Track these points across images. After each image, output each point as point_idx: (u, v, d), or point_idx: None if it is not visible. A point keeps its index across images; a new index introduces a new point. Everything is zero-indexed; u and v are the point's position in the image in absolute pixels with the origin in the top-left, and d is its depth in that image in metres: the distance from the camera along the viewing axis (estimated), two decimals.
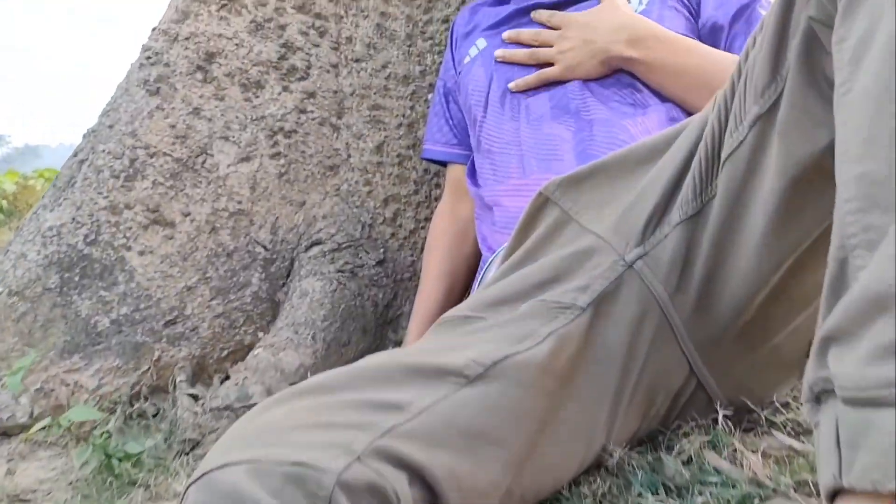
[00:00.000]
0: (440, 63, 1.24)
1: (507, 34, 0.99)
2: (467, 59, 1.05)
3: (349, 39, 1.26)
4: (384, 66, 1.26)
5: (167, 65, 1.19)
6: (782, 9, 0.51)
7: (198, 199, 1.17)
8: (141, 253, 1.14)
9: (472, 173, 1.00)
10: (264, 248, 1.22)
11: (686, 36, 0.88)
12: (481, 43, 1.04)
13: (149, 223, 1.15)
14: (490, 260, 0.88)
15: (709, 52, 0.85)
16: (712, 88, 0.78)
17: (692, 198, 0.61)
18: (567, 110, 0.86)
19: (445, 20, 1.25)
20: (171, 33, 1.20)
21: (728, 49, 0.88)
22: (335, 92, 1.26)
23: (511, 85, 0.93)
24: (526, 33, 0.96)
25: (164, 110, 1.17)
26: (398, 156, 1.28)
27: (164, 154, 1.17)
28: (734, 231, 0.59)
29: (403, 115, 1.27)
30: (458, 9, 1.25)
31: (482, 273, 0.89)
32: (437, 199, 1.29)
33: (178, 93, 1.18)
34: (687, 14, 0.91)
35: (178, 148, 1.17)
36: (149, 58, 1.20)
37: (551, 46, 0.91)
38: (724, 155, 0.59)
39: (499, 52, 0.96)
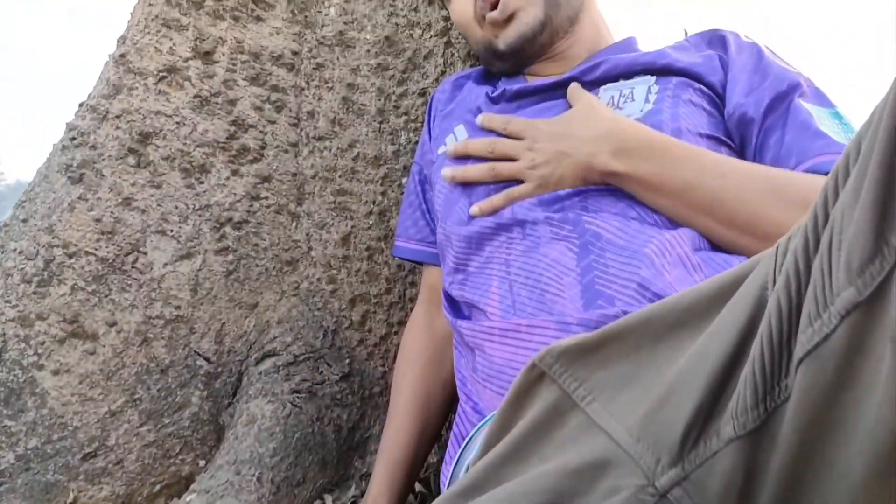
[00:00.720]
0: (416, 142, 1.08)
1: (480, 119, 0.83)
2: (442, 150, 0.88)
3: (311, 114, 1.10)
4: (351, 146, 1.10)
5: (94, 147, 1.02)
6: None
7: (126, 305, 1.00)
8: (55, 372, 0.96)
9: (448, 294, 0.82)
10: (207, 360, 1.04)
11: (709, 137, 0.72)
12: (461, 132, 0.88)
13: (66, 336, 0.97)
14: (469, 438, 0.69)
15: (724, 164, 0.68)
16: (731, 215, 0.62)
17: (752, 403, 0.43)
18: (566, 221, 0.69)
19: (422, 93, 1.09)
20: (101, 110, 1.04)
21: (760, 146, 0.72)
22: (294, 175, 1.09)
23: (473, 209, 0.76)
24: (499, 144, 0.80)
25: (88, 201, 1.00)
26: (367, 248, 1.11)
27: (87, 253, 0.99)
28: (820, 458, 0.41)
29: (374, 202, 1.11)
30: (436, 80, 1.09)
31: (460, 451, 0.71)
32: (413, 299, 1.12)
33: (106, 180, 1.01)
34: (709, 107, 0.75)
35: (104, 245, 0.99)
36: (73, 139, 1.03)
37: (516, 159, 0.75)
38: (799, 349, 0.41)
39: (447, 172, 0.80)
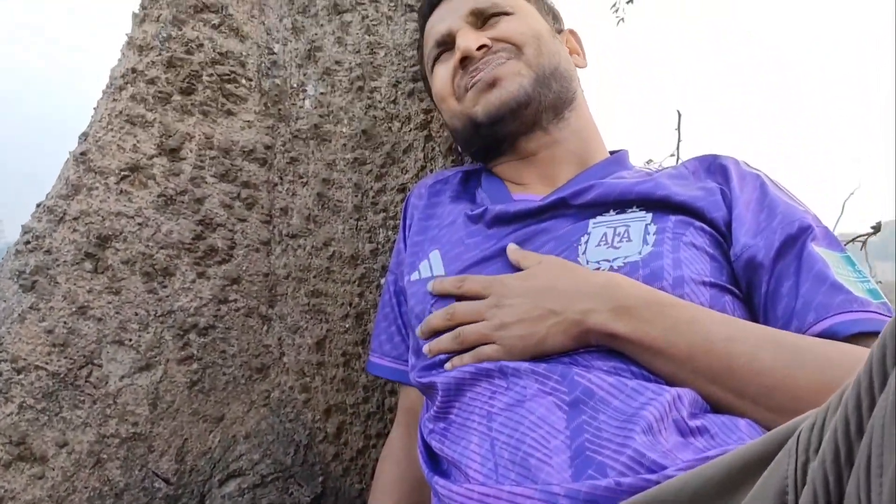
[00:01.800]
0: (395, 240, 1.03)
1: (431, 287, 0.78)
2: (416, 277, 0.83)
3: (284, 211, 1.05)
4: (327, 244, 1.05)
5: (48, 252, 0.97)
6: None
7: (78, 423, 0.93)
8: None
9: (426, 444, 0.75)
10: (166, 482, 0.96)
11: (713, 286, 0.67)
12: (436, 260, 0.82)
13: (12, 459, 0.90)
14: None
15: (734, 327, 0.63)
16: (741, 385, 0.57)
17: None
18: (553, 372, 0.63)
19: (402, 189, 1.05)
20: (58, 212, 0.98)
21: (771, 294, 0.67)
22: (266, 275, 1.04)
23: (447, 365, 0.71)
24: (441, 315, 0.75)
25: (41, 311, 0.94)
26: (343, 354, 1.05)
27: (37, 368, 0.92)
28: None
29: (350, 304, 1.05)
30: (416, 175, 1.05)
31: None
32: (392, 409, 1.05)
33: (60, 288, 0.95)
34: (712, 250, 0.70)
35: (56, 359, 0.93)
36: (27, 242, 0.98)
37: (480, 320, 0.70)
38: None
39: (418, 334, 0.77)
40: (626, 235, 0.72)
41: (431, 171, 1.07)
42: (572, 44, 0.96)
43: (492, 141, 0.89)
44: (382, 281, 1.06)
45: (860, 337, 0.61)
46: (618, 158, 0.88)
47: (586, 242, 0.73)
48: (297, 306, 1.06)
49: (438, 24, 0.93)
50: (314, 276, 1.06)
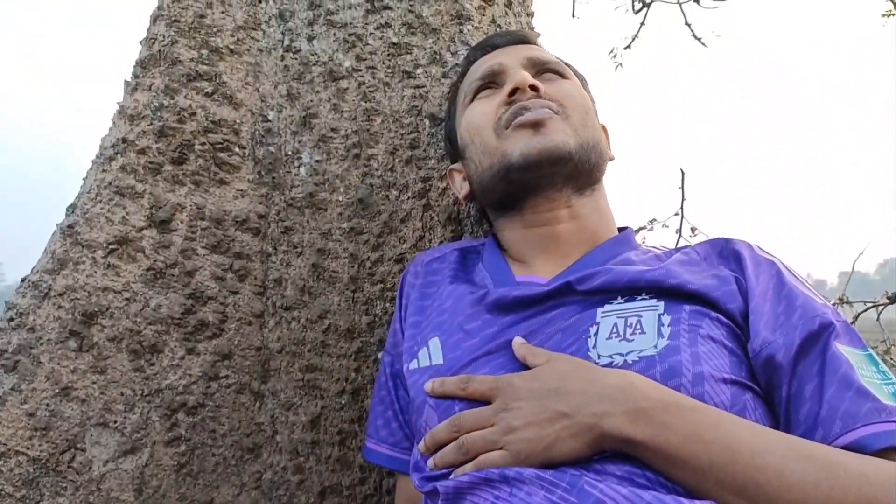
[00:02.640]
0: (393, 313, 1.00)
1: (429, 387, 0.75)
2: (414, 366, 0.80)
3: (278, 282, 1.02)
4: (322, 316, 1.02)
5: (32, 330, 0.94)
6: None
7: None
8: None
9: None
10: None
11: (734, 383, 0.64)
12: (435, 348, 0.79)
13: None
14: None
15: (761, 436, 0.59)
16: (768, 500, 0.53)
17: None
18: (561, 480, 0.60)
19: (399, 259, 1.03)
20: (43, 287, 0.96)
21: (794, 396, 0.64)
22: (258, 349, 1.01)
23: (451, 475, 0.67)
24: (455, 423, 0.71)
25: (22, 393, 0.91)
26: (339, 432, 1.02)
27: (17, 453, 0.89)
28: None
29: (346, 380, 1.02)
30: (414, 246, 1.03)
31: None
32: (391, 491, 1.01)
33: (43, 368, 0.92)
34: (730, 343, 0.68)
35: (38, 444, 0.90)
36: (11, 319, 0.95)
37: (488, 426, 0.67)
38: None
39: (421, 446, 0.73)
40: (638, 326, 0.69)
41: (430, 241, 1.04)
42: (604, 134, 0.96)
43: (516, 189, 0.85)
44: (380, 355, 1.03)
45: (890, 451, 0.58)
46: (624, 238, 0.86)
47: (596, 334, 0.70)
48: (291, 382, 1.02)
49: (491, 59, 0.92)
50: (309, 351, 1.03)
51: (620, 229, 0.91)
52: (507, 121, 0.84)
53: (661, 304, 0.71)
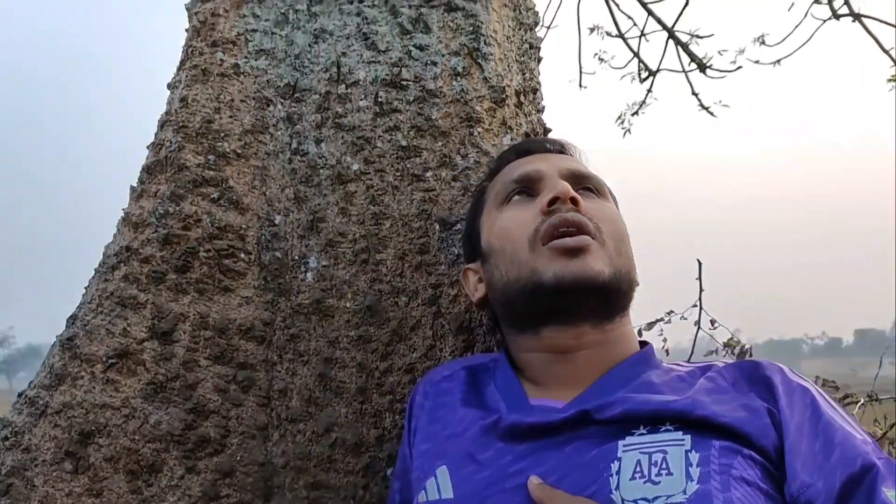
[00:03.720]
0: (403, 426, 0.96)
1: None
2: (423, 498, 0.76)
3: (283, 393, 1.00)
4: (328, 430, 0.99)
5: (27, 450, 0.91)
6: None
7: None
8: None
9: None
10: None
11: None
12: (444, 478, 0.76)
13: None
14: None
15: None
16: None
17: None
18: None
19: (409, 369, 1.00)
20: (40, 404, 0.93)
21: None
22: (261, 465, 0.97)
23: None
24: None
25: None
26: None
27: None
28: None
29: (354, 498, 0.98)
30: (425, 355, 1.01)
31: None
32: None
33: (37, 491, 0.89)
34: (765, 484, 0.64)
35: None
36: (6, 438, 0.93)
37: None
38: None
39: None
40: (664, 465, 0.65)
41: (441, 350, 1.01)
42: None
43: (541, 310, 0.82)
44: (389, 472, 0.99)
45: None
46: (644, 357, 0.83)
47: (618, 473, 0.66)
48: (296, 500, 0.98)
49: (529, 164, 0.90)
50: (314, 466, 0.99)
51: (641, 343, 0.88)
52: (544, 235, 0.81)
53: (688, 437, 0.67)
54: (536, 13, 1.27)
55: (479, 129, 1.07)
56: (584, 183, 0.87)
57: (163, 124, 1.09)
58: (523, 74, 1.18)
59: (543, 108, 1.25)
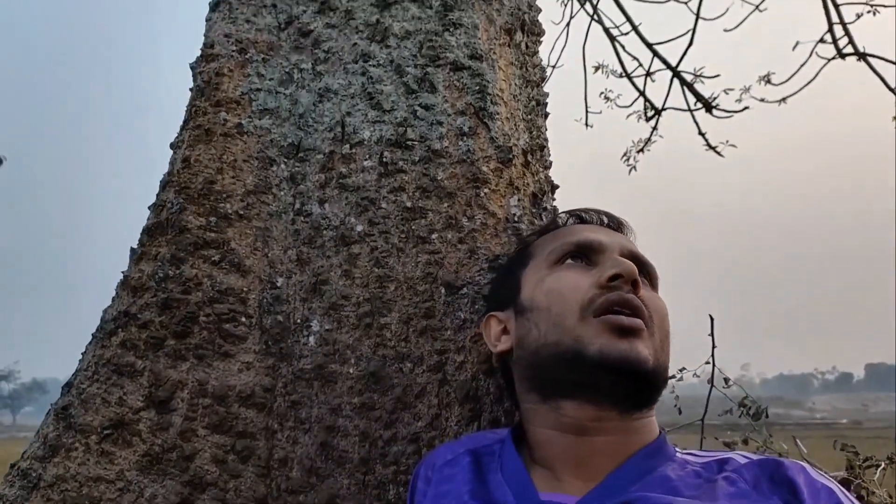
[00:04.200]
0: (406, 499, 0.93)
1: None
2: None
3: (283, 462, 0.97)
4: (330, 502, 0.96)
5: None
6: None
7: None
8: None
9: None
10: None
11: None
12: None
13: None
14: None
15: None
16: None
17: None
18: None
19: (414, 439, 0.97)
20: (32, 476, 0.91)
21: None
22: None
23: None
24: None
25: None
26: None
27: None
28: None
29: None
30: (430, 424, 0.98)
31: None
32: None
33: None
34: None
35: None
36: None
37: None
38: None
39: None
40: None
41: (447, 420, 0.98)
42: None
43: (572, 382, 0.79)
44: None
45: None
46: (659, 446, 0.79)
47: None
48: None
49: (589, 233, 0.87)
50: None
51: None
52: (598, 308, 0.78)
53: None
54: (543, 69, 1.26)
55: (486, 190, 1.05)
56: (643, 269, 0.85)
57: (164, 185, 1.08)
58: (530, 132, 1.17)
59: (550, 163, 1.24)
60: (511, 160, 1.08)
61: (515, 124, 1.13)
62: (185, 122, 1.12)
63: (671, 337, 0.83)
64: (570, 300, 0.80)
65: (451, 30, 1.10)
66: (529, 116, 1.18)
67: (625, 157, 4.17)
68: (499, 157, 1.08)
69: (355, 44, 1.10)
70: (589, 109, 3.87)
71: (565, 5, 3.86)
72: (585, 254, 0.85)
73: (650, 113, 3.76)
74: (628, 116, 3.87)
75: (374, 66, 1.09)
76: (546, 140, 1.22)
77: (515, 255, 0.95)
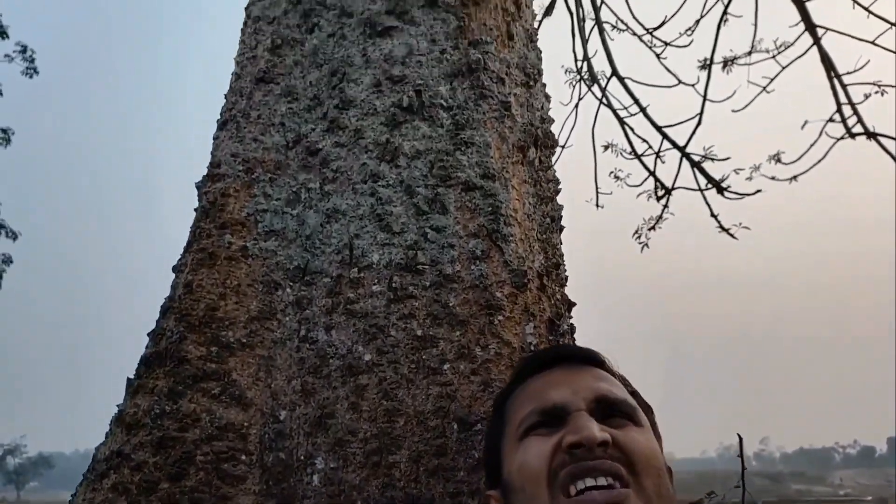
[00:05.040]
0: None
1: None
2: None
3: None
4: None
5: None
6: None
7: None
8: None
9: None
10: None
11: None
12: None
13: None
14: None
15: None
16: None
17: None
18: None
19: None
20: None
21: None
22: None
23: None
24: None
25: None
26: None
27: None
28: None
29: None
30: None
31: None
32: None
33: None
34: None
35: None
36: None
37: None
38: None
39: None
40: None
41: None
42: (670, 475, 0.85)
43: None
44: None
45: None
46: None
47: None
48: None
49: (551, 390, 0.82)
50: None
51: None
52: (563, 482, 0.73)
53: None
54: (557, 181, 1.24)
55: (500, 318, 1.01)
56: (620, 409, 0.79)
57: (165, 311, 1.04)
58: (545, 253, 1.13)
59: (566, 278, 1.20)
60: (526, 284, 1.04)
61: (530, 245, 1.10)
62: (189, 244, 1.09)
63: (665, 471, 0.77)
64: (538, 476, 0.76)
65: (462, 149, 1.08)
66: (544, 235, 1.14)
67: (636, 235, 4.15)
68: (513, 281, 1.04)
69: (364, 163, 1.08)
70: (599, 190, 3.86)
71: (573, 86, 3.91)
72: (549, 420, 0.80)
73: (661, 192, 3.75)
74: (638, 196, 3.87)
75: (383, 186, 1.07)
76: (561, 257, 1.18)
77: (494, 418, 0.90)
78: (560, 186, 1.23)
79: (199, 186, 1.12)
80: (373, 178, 1.07)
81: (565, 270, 1.20)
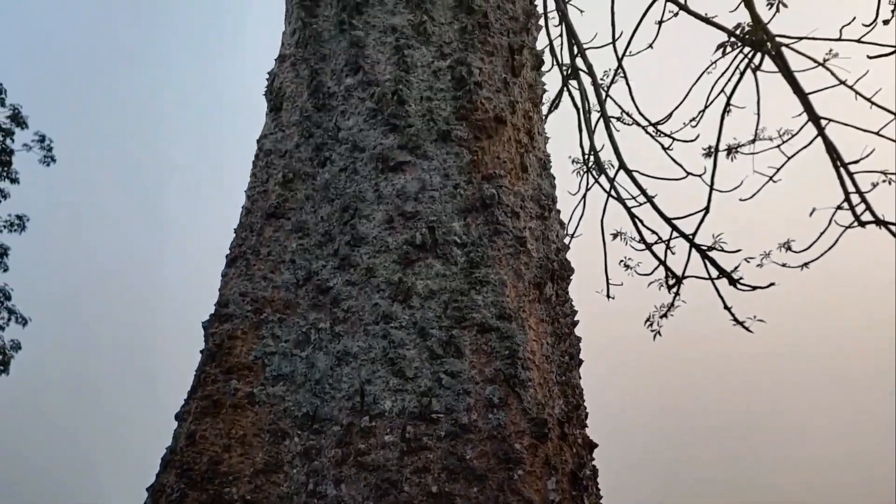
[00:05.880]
0: None
1: None
2: None
3: None
4: None
5: None
6: None
7: None
8: None
9: None
10: None
11: None
12: None
13: None
14: None
15: None
16: None
17: None
18: None
19: None
20: None
21: None
22: None
23: None
24: None
25: None
26: None
27: None
28: None
29: None
30: None
31: None
32: None
33: None
34: None
35: None
36: None
37: None
38: None
39: None
40: None
41: None
42: None
43: None
44: None
45: None
46: None
47: None
48: None
49: None
50: None
51: None
52: None
53: None
54: (574, 311, 1.20)
55: (520, 472, 0.95)
56: None
57: (166, 464, 0.99)
58: (565, 396, 1.08)
59: (587, 415, 1.14)
60: (546, 434, 0.99)
61: (549, 389, 1.05)
62: (193, 389, 1.05)
63: None
64: None
65: (477, 288, 1.05)
66: (563, 377, 1.10)
67: (648, 323, 4.09)
68: (533, 431, 0.98)
69: (376, 303, 1.05)
70: (610, 281, 3.83)
71: (581, 175, 3.93)
72: None
73: (671, 281, 3.71)
74: (649, 285, 3.83)
75: (395, 327, 1.03)
76: (581, 396, 1.13)
77: None
78: (576, 319, 1.19)
79: (205, 326, 1.09)
80: (385, 318, 1.04)
81: (585, 409, 1.14)
